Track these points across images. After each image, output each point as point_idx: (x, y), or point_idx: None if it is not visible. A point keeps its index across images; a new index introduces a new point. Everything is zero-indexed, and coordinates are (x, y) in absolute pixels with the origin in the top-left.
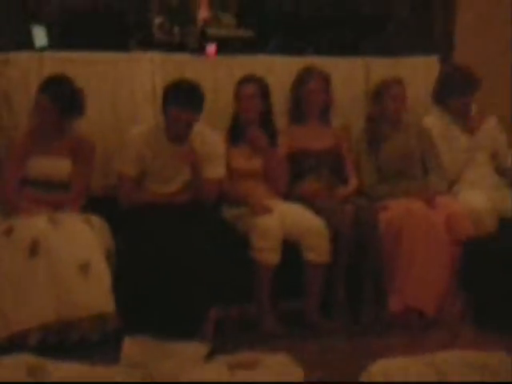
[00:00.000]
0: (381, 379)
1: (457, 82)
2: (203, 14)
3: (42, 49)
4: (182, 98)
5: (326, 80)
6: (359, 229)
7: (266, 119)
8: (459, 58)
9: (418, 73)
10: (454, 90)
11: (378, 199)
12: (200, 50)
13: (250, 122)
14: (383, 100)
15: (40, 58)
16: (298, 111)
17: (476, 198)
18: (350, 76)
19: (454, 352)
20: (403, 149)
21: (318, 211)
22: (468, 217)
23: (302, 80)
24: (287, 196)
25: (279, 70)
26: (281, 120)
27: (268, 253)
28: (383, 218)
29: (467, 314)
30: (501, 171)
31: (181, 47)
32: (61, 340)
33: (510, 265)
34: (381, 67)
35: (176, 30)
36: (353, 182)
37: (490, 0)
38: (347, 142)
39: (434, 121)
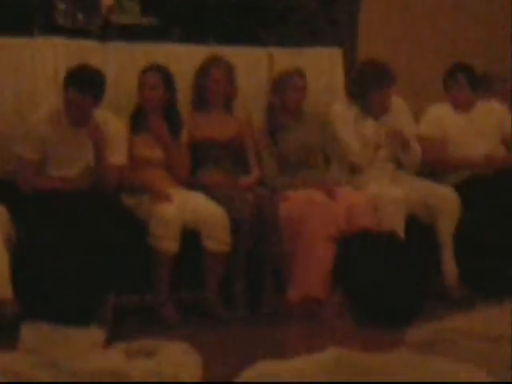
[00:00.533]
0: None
1: (372, 76)
2: (107, 0)
3: None
4: (81, 82)
5: (229, 70)
6: (260, 218)
7: (169, 108)
8: (363, 50)
9: (322, 64)
10: (370, 84)
11: (278, 189)
12: (103, 36)
13: (152, 110)
14: (284, 90)
15: None
16: (202, 100)
17: (385, 190)
18: (253, 66)
19: (333, 350)
20: (304, 139)
21: (218, 200)
22: (369, 209)
23: (205, 69)
24: (189, 185)
25: (183, 59)
26: (184, 109)
27: (167, 241)
28: (283, 208)
29: (345, 309)
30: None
31: (84, 33)
32: None
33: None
34: (284, 58)
35: (79, 16)
36: (254, 173)
37: None
38: (250, 132)
39: (343, 109)
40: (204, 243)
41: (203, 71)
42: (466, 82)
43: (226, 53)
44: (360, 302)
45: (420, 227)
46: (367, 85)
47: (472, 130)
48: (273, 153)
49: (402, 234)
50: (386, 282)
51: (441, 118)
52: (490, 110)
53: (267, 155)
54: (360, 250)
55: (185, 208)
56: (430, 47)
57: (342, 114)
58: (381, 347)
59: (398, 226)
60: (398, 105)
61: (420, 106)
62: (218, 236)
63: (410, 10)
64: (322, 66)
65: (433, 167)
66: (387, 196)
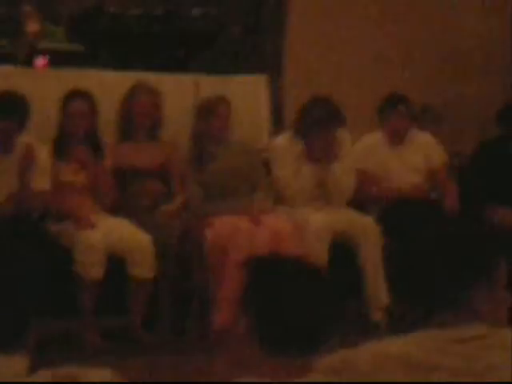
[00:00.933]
0: None
1: (318, 115)
2: (32, 26)
3: None
4: (5, 108)
5: (156, 96)
6: (186, 244)
7: (92, 134)
8: (288, 78)
9: (247, 91)
10: (315, 124)
11: (204, 216)
12: (29, 62)
13: (76, 136)
14: (209, 118)
15: None
16: (128, 127)
17: (310, 217)
18: (179, 93)
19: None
20: (229, 167)
21: (144, 227)
22: (295, 235)
23: (132, 95)
24: (115, 211)
25: (109, 85)
26: (110, 135)
27: (91, 267)
28: (209, 235)
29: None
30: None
31: (10, 59)
32: None
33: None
34: (210, 85)
35: (4, 41)
36: (179, 199)
37: (320, 22)
38: (175, 159)
39: (285, 144)
40: (129, 270)
41: (130, 97)
42: (405, 112)
43: (152, 79)
44: (265, 329)
45: (347, 254)
46: (310, 124)
47: (402, 161)
48: (198, 180)
49: (325, 260)
50: (291, 308)
51: (373, 148)
52: (420, 142)
53: (193, 182)
54: (267, 276)
55: (110, 234)
56: (355, 76)
57: (284, 149)
58: (288, 374)
59: (322, 252)
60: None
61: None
62: (143, 263)
63: (335, 36)
64: (248, 93)
65: (361, 198)
66: (312, 223)
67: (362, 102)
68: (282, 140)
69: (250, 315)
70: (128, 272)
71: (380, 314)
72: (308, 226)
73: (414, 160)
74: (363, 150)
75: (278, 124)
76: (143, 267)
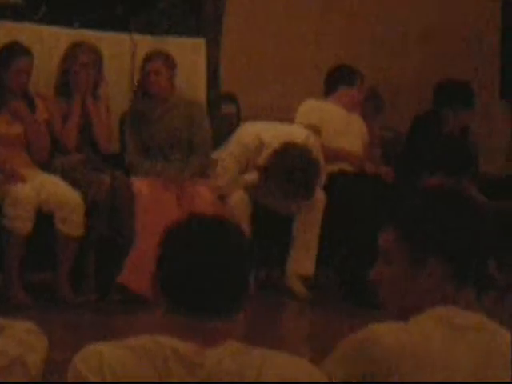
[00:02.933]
0: None
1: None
2: None
3: None
4: None
5: (97, 55)
6: (115, 201)
7: (26, 89)
8: (227, 42)
9: (186, 53)
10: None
11: (137, 173)
12: None
13: (14, 91)
14: (146, 75)
15: None
16: (67, 84)
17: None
18: (117, 52)
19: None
20: (167, 128)
21: (75, 183)
22: (213, 202)
23: (72, 54)
24: (48, 167)
25: (47, 40)
26: (49, 89)
27: (19, 221)
28: (135, 195)
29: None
30: None
31: None
32: None
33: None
34: (149, 45)
35: None
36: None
37: None
38: (106, 113)
39: (253, 140)
40: (57, 226)
41: (70, 56)
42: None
43: (90, 37)
44: (178, 293)
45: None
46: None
47: (349, 129)
48: (135, 139)
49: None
50: (203, 270)
51: (321, 109)
52: (356, 119)
53: (130, 141)
54: (181, 241)
55: (40, 190)
56: (299, 40)
57: (247, 145)
58: (211, 338)
59: (244, 217)
60: None
61: (290, 102)
62: (71, 220)
63: (276, 4)
64: (186, 56)
65: None
66: (233, 198)
67: (299, 70)
68: (251, 143)
69: (161, 279)
70: (56, 228)
71: (301, 284)
72: (229, 200)
73: (356, 132)
74: (309, 109)
75: (213, 86)
76: (71, 224)
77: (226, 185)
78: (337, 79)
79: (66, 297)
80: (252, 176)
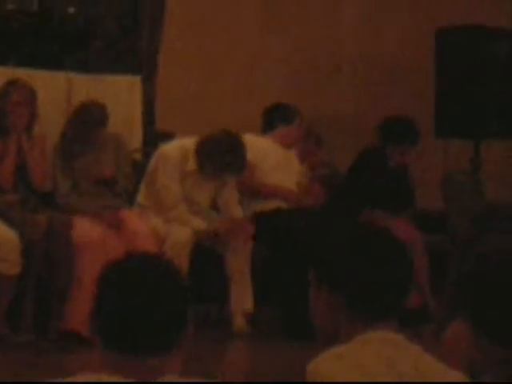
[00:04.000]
0: None
1: (225, 161)
2: None
3: None
4: None
5: (31, 93)
6: (51, 242)
7: None
8: (162, 79)
9: (121, 91)
10: (219, 166)
11: (71, 212)
12: None
13: None
14: (82, 125)
15: None
16: (1, 124)
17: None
18: (52, 90)
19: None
20: (95, 167)
21: (11, 222)
22: (152, 237)
23: (5, 92)
24: None
25: None
26: None
27: None
28: (72, 236)
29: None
30: None
31: None
32: None
33: None
34: (84, 83)
35: None
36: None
37: (197, 25)
38: (41, 152)
39: (175, 155)
40: None
41: (4, 94)
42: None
43: (25, 75)
44: (114, 331)
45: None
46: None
47: (285, 166)
48: (66, 177)
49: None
50: (139, 307)
51: (256, 145)
52: (292, 157)
53: (61, 179)
54: (118, 278)
55: None
56: (230, 80)
57: (173, 160)
58: (145, 374)
59: (180, 263)
60: None
61: None
62: (8, 258)
63: (213, 39)
64: (121, 94)
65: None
66: (173, 236)
67: (236, 106)
68: (173, 152)
69: (97, 318)
70: None
71: (242, 319)
72: (168, 239)
73: (294, 168)
74: (249, 144)
75: (149, 123)
76: (8, 263)
77: (172, 209)
78: (274, 118)
79: (5, 336)
80: (200, 224)
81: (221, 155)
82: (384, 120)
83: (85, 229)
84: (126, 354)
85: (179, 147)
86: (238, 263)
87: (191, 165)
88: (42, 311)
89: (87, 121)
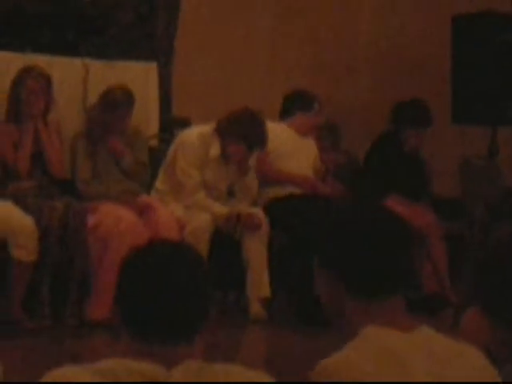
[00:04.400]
0: None
1: (248, 134)
2: None
3: None
4: None
5: (46, 80)
6: (68, 228)
7: None
8: (179, 67)
9: (138, 78)
10: (240, 139)
11: (90, 198)
12: None
13: None
14: (104, 106)
15: None
16: (17, 110)
17: (193, 216)
18: (69, 76)
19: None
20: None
21: (27, 209)
22: (175, 223)
23: (21, 80)
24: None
25: None
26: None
27: None
28: (91, 220)
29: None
30: None
31: None
32: None
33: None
34: (100, 70)
35: None
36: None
37: (213, 13)
38: (58, 138)
39: (195, 141)
40: (11, 252)
41: (19, 82)
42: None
43: (42, 62)
44: (137, 318)
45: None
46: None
47: (300, 152)
48: (88, 162)
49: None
50: (162, 294)
51: (271, 131)
52: (308, 143)
53: (82, 163)
54: (136, 265)
55: None
56: (251, 64)
57: (193, 145)
58: (170, 360)
59: (204, 240)
60: None
61: None
62: (25, 245)
63: (228, 29)
64: (138, 80)
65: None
66: (194, 223)
67: (253, 92)
68: (193, 138)
69: (121, 305)
70: (10, 254)
71: (259, 306)
72: (188, 225)
73: (308, 155)
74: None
75: (166, 110)
76: (25, 249)
77: (192, 195)
78: (293, 105)
79: (21, 322)
80: (222, 209)
81: (243, 127)
82: (396, 104)
83: (112, 215)
84: (150, 340)
85: (199, 134)
86: (256, 249)
87: (213, 151)
88: (59, 298)
89: (112, 104)
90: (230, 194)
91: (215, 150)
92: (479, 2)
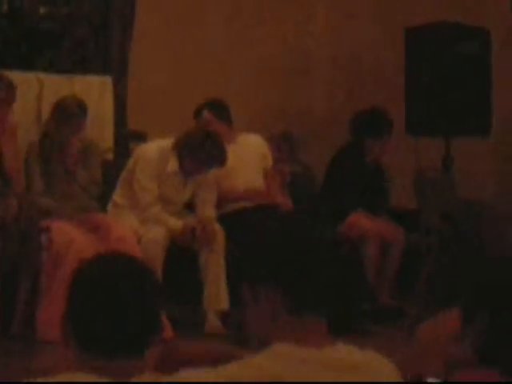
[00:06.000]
0: None
1: (204, 154)
2: None
3: None
4: None
5: (14, 90)
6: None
7: None
8: (133, 79)
9: (92, 92)
10: (198, 160)
11: (45, 213)
12: None
13: None
14: (58, 117)
15: None
16: None
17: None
18: (23, 90)
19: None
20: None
21: None
22: (132, 238)
23: None
24: None
25: None
26: None
27: None
28: (45, 238)
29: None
30: None
31: None
32: None
33: None
34: (55, 84)
35: None
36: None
37: (167, 26)
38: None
39: (153, 155)
40: None
41: None
42: (215, 117)
43: None
44: (87, 333)
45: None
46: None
47: (236, 162)
48: (41, 174)
49: (159, 267)
50: (112, 310)
51: None
52: (252, 143)
53: (35, 176)
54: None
55: None
56: (204, 77)
57: (151, 160)
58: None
59: (155, 262)
60: None
61: None
62: None
63: (181, 39)
64: (92, 94)
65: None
66: (148, 236)
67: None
68: (151, 152)
69: (70, 320)
70: None
71: (216, 319)
72: (143, 238)
73: (248, 160)
74: None
75: (121, 124)
76: None
77: (147, 208)
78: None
79: None
80: (177, 222)
81: (200, 147)
82: (355, 115)
83: (65, 233)
84: (99, 355)
85: (158, 148)
86: (212, 262)
87: (171, 166)
88: (6, 310)
89: (67, 114)
90: (189, 207)
91: (173, 164)
92: (433, 12)
